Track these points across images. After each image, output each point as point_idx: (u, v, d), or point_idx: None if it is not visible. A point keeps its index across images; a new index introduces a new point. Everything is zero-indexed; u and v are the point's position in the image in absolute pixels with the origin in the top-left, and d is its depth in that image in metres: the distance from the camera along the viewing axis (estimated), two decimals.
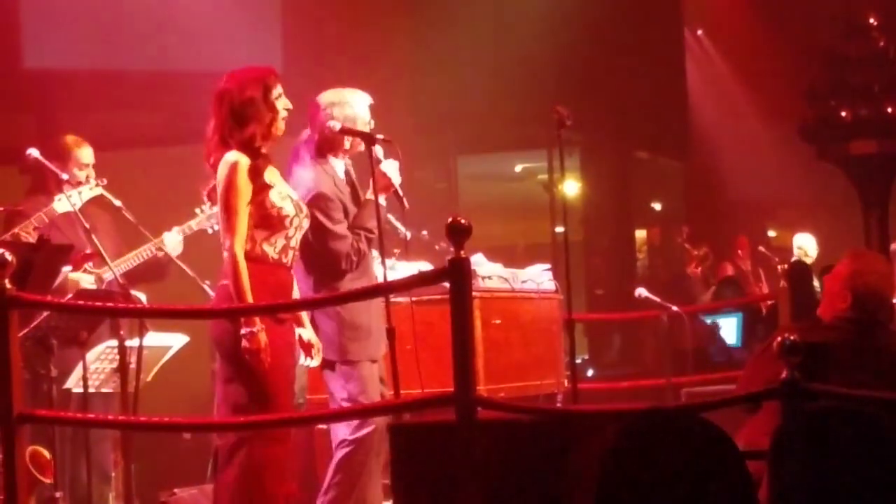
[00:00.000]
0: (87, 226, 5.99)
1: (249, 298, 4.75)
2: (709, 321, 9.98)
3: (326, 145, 5.62)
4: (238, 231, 4.82)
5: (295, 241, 5.02)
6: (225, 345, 4.85)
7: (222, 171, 4.86)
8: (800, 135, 8.93)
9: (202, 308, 5.55)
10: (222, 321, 4.86)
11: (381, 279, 5.50)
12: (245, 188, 4.83)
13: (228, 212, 4.84)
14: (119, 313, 5.83)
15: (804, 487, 3.76)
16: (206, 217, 6.54)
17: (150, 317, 5.97)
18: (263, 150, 4.94)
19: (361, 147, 5.65)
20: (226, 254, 4.89)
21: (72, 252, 6.05)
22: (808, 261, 10.80)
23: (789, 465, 3.78)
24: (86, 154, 6.65)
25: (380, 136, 5.66)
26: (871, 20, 8.69)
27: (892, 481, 3.93)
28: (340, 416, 5.52)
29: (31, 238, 6.02)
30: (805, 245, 11.04)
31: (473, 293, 4.36)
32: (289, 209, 4.96)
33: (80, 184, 6.35)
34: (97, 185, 6.33)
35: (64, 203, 6.18)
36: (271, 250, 4.91)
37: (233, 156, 4.87)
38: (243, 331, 4.75)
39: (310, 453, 6.45)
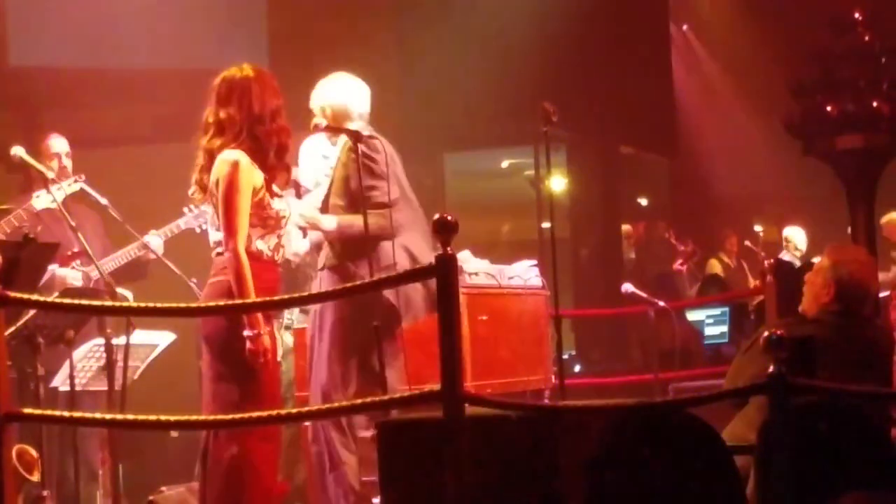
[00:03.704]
0: (73, 223, 5.98)
1: (253, 298, 4.75)
2: (694, 318, 9.98)
3: None
4: (241, 230, 4.81)
5: (285, 240, 5.05)
6: (218, 342, 4.84)
7: (222, 168, 4.84)
8: (786, 130, 8.93)
9: (192, 306, 5.54)
10: (216, 318, 4.85)
11: None
12: (247, 187, 4.83)
13: (230, 211, 4.82)
14: (106, 311, 5.82)
15: (791, 482, 3.77)
16: (194, 216, 6.53)
17: (138, 315, 5.96)
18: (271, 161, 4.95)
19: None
20: (219, 251, 4.88)
21: (58, 250, 6.04)
22: (798, 254, 10.82)
23: (776, 460, 3.79)
24: (55, 143, 6.64)
25: (365, 133, 5.67)
26: (857, 15, 8.70)
27: (879, 474, 3.95)
28: (330, 413, 5.52)
29: (1, 235, 6.01)
30: (794, 238, 11.05)
31: (460, 290, 4.35)
32: (285, 210, 4.99)
33: (62, 179, 6.34)
34: (76, 180, 6.32)
35: (43, 199, 6.16)
36: (265, 248, 4.92)
37: (233, 154, 4.85)
38: (247, 332, 4.75)
39: (297, 450, 6.45)
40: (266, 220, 4.91)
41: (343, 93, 5.94)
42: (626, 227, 13.65)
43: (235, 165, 4.82)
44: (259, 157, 4.89)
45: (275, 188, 4.96)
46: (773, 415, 3.85)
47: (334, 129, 5.66)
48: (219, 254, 4.92)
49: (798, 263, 9.45)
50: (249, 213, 4.85)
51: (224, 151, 4.86)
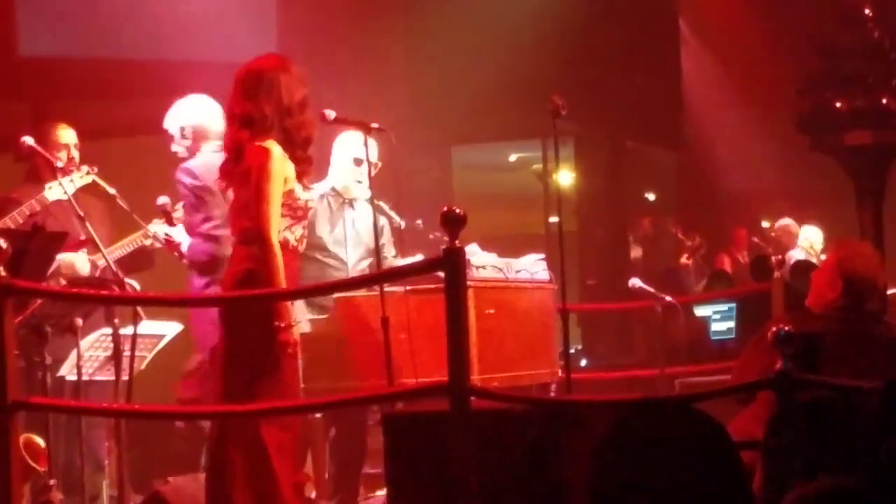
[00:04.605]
0: (82, 213, 5.98)
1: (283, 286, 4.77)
2: (701, 313, 9.97)
3: None
4: (273, 218, 4.83)
5: (307, 231, 5.09)
6: (242, 331, 4.83)
7: (256, 158, 4.86)
8: (794, 125, 8.92)
9: (210, 296, 5.55)
10: (235, 308, 4.85)
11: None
12: (279, 177, 4.85)
13: (262, 199, 4.84)
14: (114, 301, 5.83)
15: (798, 477, 3.77)
16: None
17: (154, 305, 5.98)
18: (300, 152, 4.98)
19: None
20: (244, 239, 4.89)
21: (66, 239, 6.04)
22: (813, 253, 10.81)
23: (783, 455, 3.79)
24: (64, 134, 6.65)
25: (374, 125, 5.70)
26: (866, 11, 8.69)
27: (886, 471, 3.94)
28: (338, 403, 5.53)
29: (12, 225, 6.01)
30: (812, 238, 11.05)
31: (467, 283, 4.35)
32: (312, 201, 5.05)
33: (72, 171, 6.34)
34: (88, 172, 6.33)
35: (55, 191, 6.17)
36: (292, 238, 4.95)
37: (267, 144, 4.87)
38: (279, 324, 4.75)
39: (306, 444, 6.46)
40: (295, 211, 4.94)
41: (200, 114, 6.15)
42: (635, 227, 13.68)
43: (269, 155, 4.85)
44: (289, 149, 4.92)
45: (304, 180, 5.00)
46: (780, 410, 3.85)
47: (343, 120, 5.67)
48: (241, 242, 4.92)
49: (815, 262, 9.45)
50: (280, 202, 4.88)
51: (258, 141, 4.87)
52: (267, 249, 4.79)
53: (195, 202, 5.98)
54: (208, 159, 6.11)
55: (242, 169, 4.89)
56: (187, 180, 6.02)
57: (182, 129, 6.17)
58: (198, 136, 6.14)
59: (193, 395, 6.29)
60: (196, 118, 6.18)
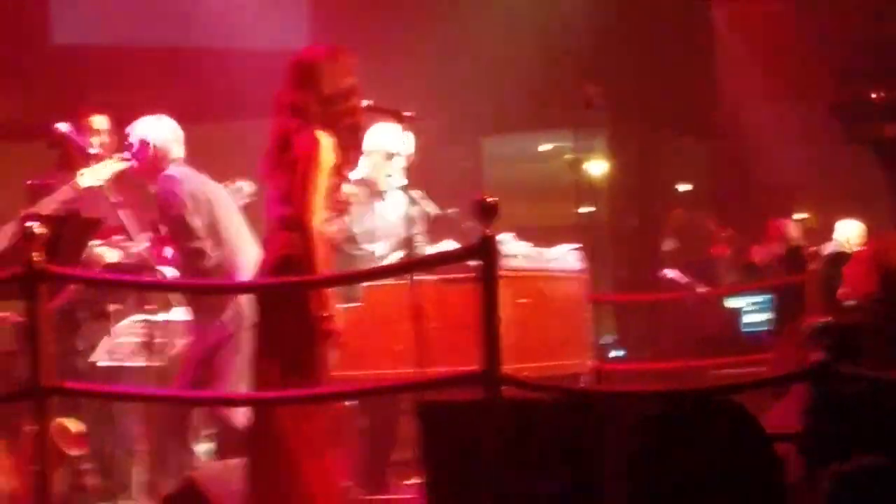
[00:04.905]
0: (114, 200, 6.00)
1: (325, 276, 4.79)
2: (734, 305, 9.93)
3: None
4: (317, 208, 4.83)
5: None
6: (270, 319, 4.84)
7: (306, 147, 4.87)
8: (832, 116, 8.86)
9: (249, 283, 5.56)
10: (271, 295, 4.86)
11: None
12: (327, 168, 4.86)
13: (308, 188, 4.84)
14: (147, 288, 5.84)
15: (834, 469, 3.75)
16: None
17: (180, 292, 5.98)
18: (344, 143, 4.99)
19: None
20: (285, 226, 4.90)
21: (100, 226, 6.07)
22: (848, 247, 10.73)
23: (819, 446, 3.76)
24: (98, 121, 6.68)
25: (407, 114, 5.69)
26: None
27: None
28: (370, 391, 5.53)
29: (46, 211, 6.04)
30: (849, 232, 10.95)
31: (500, 272, 4.34)
32: (355, 195, 5.05)
33: (105, 157, 6.36)
34: (121, 159, 6.35)
35: (87, 178, 6.19)
36: (330, 230, 4.95)
37: (317, 133, 4.89)
38: (323, 314, 4.77)
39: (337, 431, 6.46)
40: (336, 204, 4.95)
41: (166, 137, 6.24)
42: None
43: (319, 145, 4.85)
44: (335, 138, 4.92)
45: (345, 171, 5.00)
46: (817, 402, 3.83)
47: (377, 108, 5.66)
48: (281, 228, 4.92)
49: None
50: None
51: (307, 131, 4.88)
52: (307, 238, 4.80)
53: (182, 212, 6.05)
54: (179, 170, 6.17)
55: (290, 158, 4.89)
56: (177, 187, 6.05)
57: (143, 143, 6.19)
58: (158, 156, 6.17)
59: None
60: (160, 139, 6.21)
